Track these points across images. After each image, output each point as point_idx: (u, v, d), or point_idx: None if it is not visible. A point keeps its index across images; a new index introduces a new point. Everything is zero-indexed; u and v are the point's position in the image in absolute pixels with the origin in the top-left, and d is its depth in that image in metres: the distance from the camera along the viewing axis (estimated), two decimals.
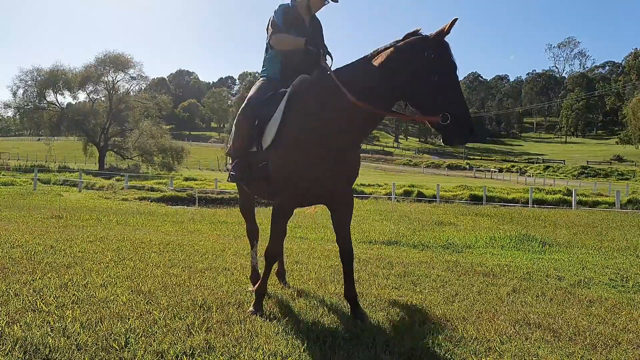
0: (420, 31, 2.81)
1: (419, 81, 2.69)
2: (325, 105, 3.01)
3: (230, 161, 3.64)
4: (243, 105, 3.53)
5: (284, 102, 3.21)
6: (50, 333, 2.61)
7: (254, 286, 3.81)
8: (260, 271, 3.82)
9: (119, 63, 48.73)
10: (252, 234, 4.16)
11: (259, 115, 3.32)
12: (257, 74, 4.07)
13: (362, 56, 3.04)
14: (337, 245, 3.40)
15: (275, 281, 4.16)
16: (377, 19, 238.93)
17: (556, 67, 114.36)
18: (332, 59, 3.29)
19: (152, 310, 3.12)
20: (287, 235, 8.40)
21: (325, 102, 3.02)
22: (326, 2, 3.59)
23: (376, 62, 2.89)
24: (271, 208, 3.29)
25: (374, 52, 2.98)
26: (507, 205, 18.90)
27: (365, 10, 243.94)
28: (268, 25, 3.60)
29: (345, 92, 2.88)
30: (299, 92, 3.22)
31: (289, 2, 3.63)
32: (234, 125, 3.62)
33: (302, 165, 3.02)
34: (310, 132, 3.01)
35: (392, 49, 2.85)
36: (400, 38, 2.86)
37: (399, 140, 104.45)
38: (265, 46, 3.71)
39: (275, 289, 3.92)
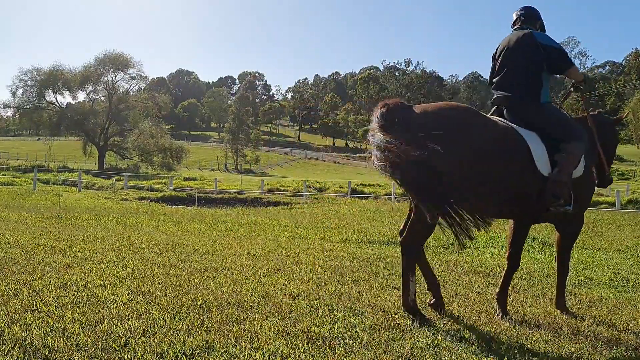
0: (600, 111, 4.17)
1: (613, 143, 4.15)
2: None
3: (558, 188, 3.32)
4: (583, 134, 3.54)
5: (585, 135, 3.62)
6: (50, 333, 2.60)
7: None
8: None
9: (118, 63, 48.81)
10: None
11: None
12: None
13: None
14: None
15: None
16: (374, 15, 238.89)
17: None
18: None
19: (152, 310, 3.11)
20: (287, 235, 8.43)
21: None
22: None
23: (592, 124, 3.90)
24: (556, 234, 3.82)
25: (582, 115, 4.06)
26: None
27: (360, 6, 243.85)
28: (531, 43, 3.60)
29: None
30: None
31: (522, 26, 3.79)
32: (573, 154, 3.37)
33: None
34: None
35: (599, 119, 4.04)
36: (594, 113, 4.08)
37: None
38: (533, 67, 3.61)
39: (275, 289, 3.92)
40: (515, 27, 3.83)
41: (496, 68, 3.82)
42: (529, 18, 3.80)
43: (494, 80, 3.81)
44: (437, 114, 3.21)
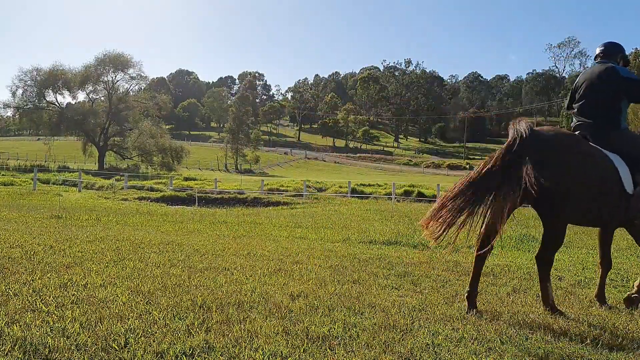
0: None
1: None
2: None
3: None
4: None
5: None
6: (50, 333, 2.60)
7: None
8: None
9: (118, 63, 48.87)
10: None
11: None
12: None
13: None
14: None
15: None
16: (374, 15, 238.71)
17: (556, 67, 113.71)
18: None
19: (152, 310, 3.11)
20: (287, 235, 8.43)
21: None
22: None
23: None
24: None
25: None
26: None
27: (360, 6, 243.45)
28: (612, 75, 4.07)
29: None
30: None
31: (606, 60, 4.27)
32: None
33: None
34: None
35: None
36: None
37: (399, 140, 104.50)
38: (613, 98, 4.06)
39: (275, 289, 3.92)
40: (597, 60, 4.38)
41: (577, 96, 4.29)
42: (609, 52, 4.32)
43: (574, 105, 4.32)
44: (554, 142, 3.66)
